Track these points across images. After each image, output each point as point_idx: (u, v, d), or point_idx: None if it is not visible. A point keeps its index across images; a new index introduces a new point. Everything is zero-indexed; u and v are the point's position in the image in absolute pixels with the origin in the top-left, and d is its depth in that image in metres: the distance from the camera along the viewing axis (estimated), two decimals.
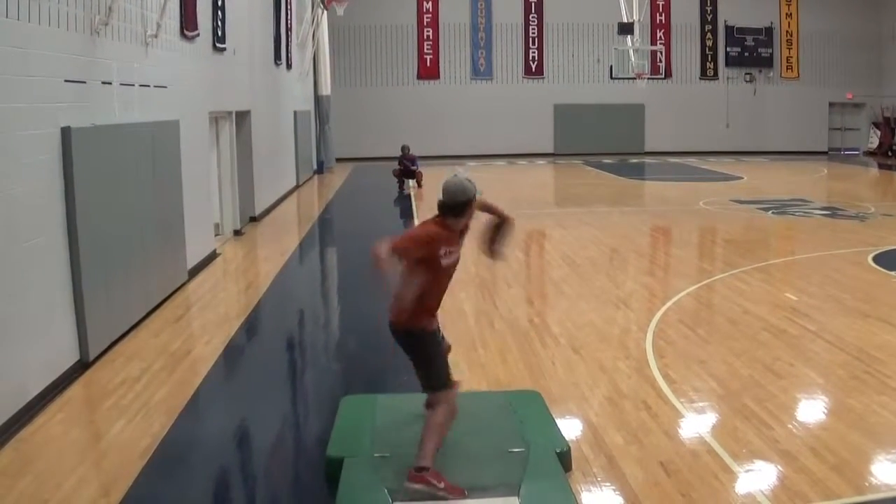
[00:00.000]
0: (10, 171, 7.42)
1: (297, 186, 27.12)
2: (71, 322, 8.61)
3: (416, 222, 19.25)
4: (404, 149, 26.61)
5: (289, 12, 25.67)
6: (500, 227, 6.44)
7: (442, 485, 5.60)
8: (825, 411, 7.47)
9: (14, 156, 7.50)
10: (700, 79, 40.26)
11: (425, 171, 25.82)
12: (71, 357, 8.55)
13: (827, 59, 39.86)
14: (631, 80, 34.50)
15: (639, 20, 32.45)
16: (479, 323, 10.28)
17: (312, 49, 31.14)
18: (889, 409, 7.28)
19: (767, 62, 40.26)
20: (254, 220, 19.23)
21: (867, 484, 5.93)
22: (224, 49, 16.46)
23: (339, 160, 35.16)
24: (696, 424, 7.13)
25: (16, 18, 7.61)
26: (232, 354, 9.59)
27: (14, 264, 7.44)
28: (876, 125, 39.47)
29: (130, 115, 10.65)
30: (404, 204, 23.55)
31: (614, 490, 5.93)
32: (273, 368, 9.38)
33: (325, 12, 31.01)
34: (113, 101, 10.11)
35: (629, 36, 32.83)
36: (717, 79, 40.27)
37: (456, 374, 8.18)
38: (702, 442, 6.71)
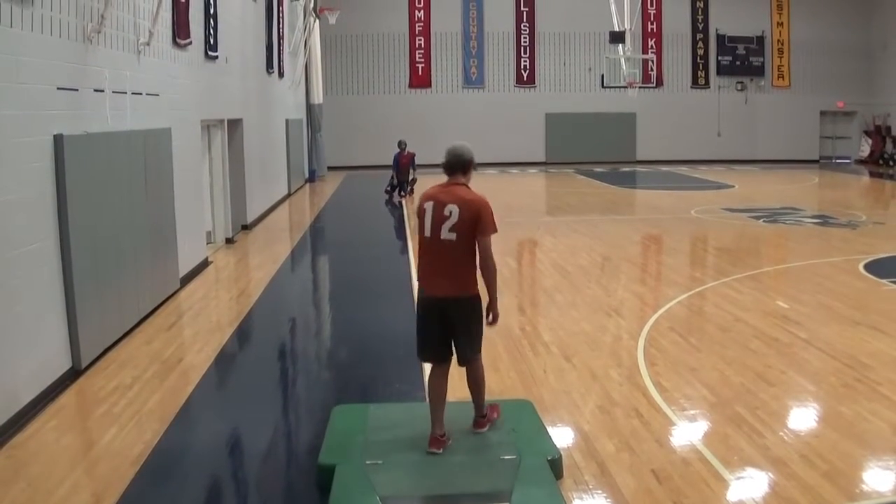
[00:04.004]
0: (3, 178, 7.42)
1: (289, 195, 27.11)
2: (63, 329, 8.60)
3: (408, 230, 19.26)
4: (401, 144, 25.29)
5: (281, 21, 25.69)
6: None
7: (496, 414, 6.93)
8: (816, 419, 7.49)
9: (6, 163, 7.49)
10: (691, 87, 40.36)
11: (418, 180, 25.79)
12: (63, 364, 8.54)
13: (818, 67, 39.99)
14: (622, 89, 34.52)
15: (630, 29, 32.49)
16: None
17: (304, 57, 31.16)
18: (880, 417, 7.31)
19: (759, 71, 40.39)
20: (245, 228, 19.22)
21: (858, 491, 5.95)
22: (216, 57, 16.46)
23: (330, 168, 35.16)
24: (688, 432, 7.15)
25: (8, 26, 7.61)
26: (224, 362, 9.59)
27: (6, 271, 7.42)
28: (867, 134, 39.61)
29: (123, 123, 10.65)
30: (396, 212, 23.57)
31: (606, 497, 5.94)
32: (265, 376, 9.37)
33: (317, 21, 31.05)
34: (105, 108, 10.10)
35: (621, 45, 32.87)
36: (709, 87, 40.38)
37: (449, 383, 8.24)
38: (693, 449, 6.72)
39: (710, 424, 7.31)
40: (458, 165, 6.56)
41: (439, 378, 6.61)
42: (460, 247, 6.37)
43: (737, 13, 39.71)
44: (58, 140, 8.49)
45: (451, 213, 6.35)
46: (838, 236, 17.43)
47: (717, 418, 7.39)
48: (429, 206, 6.46)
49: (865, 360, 8.93)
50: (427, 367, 7.15)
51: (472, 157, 6.61)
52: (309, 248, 18.84)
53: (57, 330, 8.49)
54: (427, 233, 6.46)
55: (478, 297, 6.51)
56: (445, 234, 6.36)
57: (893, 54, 38.08)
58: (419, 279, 6.69)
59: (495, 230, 6.44)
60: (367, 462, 6.12)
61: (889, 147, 37.96)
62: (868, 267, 13.93)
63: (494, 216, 6.47)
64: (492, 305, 6.53)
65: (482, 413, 6.78)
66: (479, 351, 6.65)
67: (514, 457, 6.18)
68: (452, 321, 6.46)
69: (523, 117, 39.07)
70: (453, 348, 6.58)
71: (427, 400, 6.70)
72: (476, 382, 6.75)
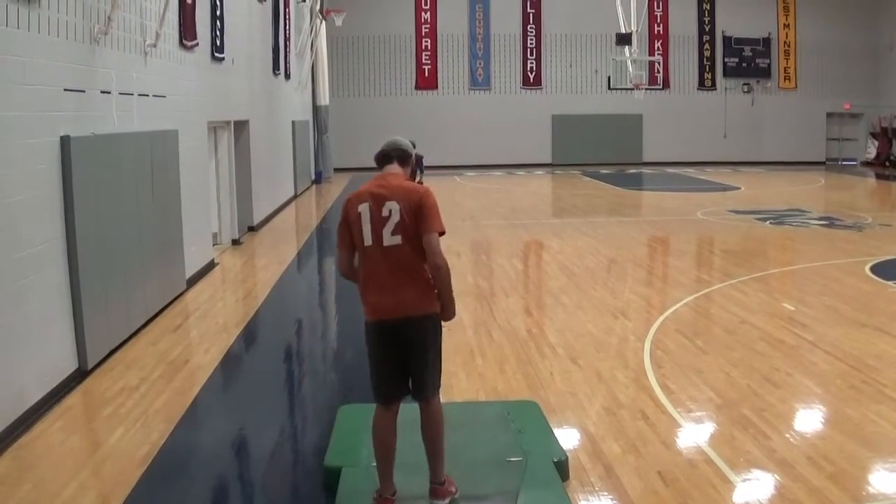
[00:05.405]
0: (10, 179, 7.44)
1: (296, 196, 27.15)
2: (69, 330, 8.61)
3: None
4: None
5: (287, 22, 25.72)
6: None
7: (454, 489, 5.68)
8: (822, 421, 7.48)
9: (13, 164, 7.51)
10: (698, 89, 40.33)
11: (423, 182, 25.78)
12: (69, 365, 8.55)
13: (824, 69, 39.94)
14: (629, 91, 34.63)
15: (637, 31, 32.56)
16: (477, 333, 10.29)
17: (311, 59, 31.21)
18: (886, 419, 7.29)
19: (765, 73, 40.35)
20: (252, 229, 19.24)
21: (864, 493, 5.94)
22: (223, 59, 16.49)
23: (337, 170, 35.18)
24: (694, 434, 7.14)
25: (15, 27, 7.63)
26: (230, 363, 9.60)
27: (13, 272, 7.44)
28: (873, 135, 39.54)
29: (129, 125, 10.67)
30: None
31: (612, 499, 5.93)
32: (271, 377, 9.39)
33: (324, 22, 31.08)
34: (112, 110, 10.12)
35: (627, 46, 32.94)
36: (715, 89, 40.34)
37: (455, 384, 8.24)
38: (699, 451, 6.71)
39: (716, 426, 7.29)
40: (395, 153, 5.67)
41: (392, 421, 5.57)
42: (409, 252, 5.38)
43: (743, 15, 39.67)
44: (64, 141, 8.51)
45: (391, 211, 5.36)
46: (844, 238, 17.40)
47: (724, 420, 7.38)
48: (364, 208, 5.41)
49: (872, 362, 8.91)
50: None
51: (411, 151, 5.74)
52: (315, 249, 18.85)
53: (63, 331, 8.51)
54: (367, 241, 5.39)
55: (438, 316, 5.51)
56: (388, 239, 5.37)
57: None
58: (363, 302, 5.54)
59: (442, 229, 5.40)
60: (374, 464, 6.11)
61: None
62: (874, 269, 13.91)
63: (441, 212, 5.47)
64: (444, 309, 5.50)
65: (440, 479, 5.61)
66: (440, 386, 5.63)
67: (520, 458, 6.17)
68: (407, 347, 5.44)
69: (529, 119, 39.08)
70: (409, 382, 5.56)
71: (375, 452, 5.63)
72: (435, 430, 5.56)
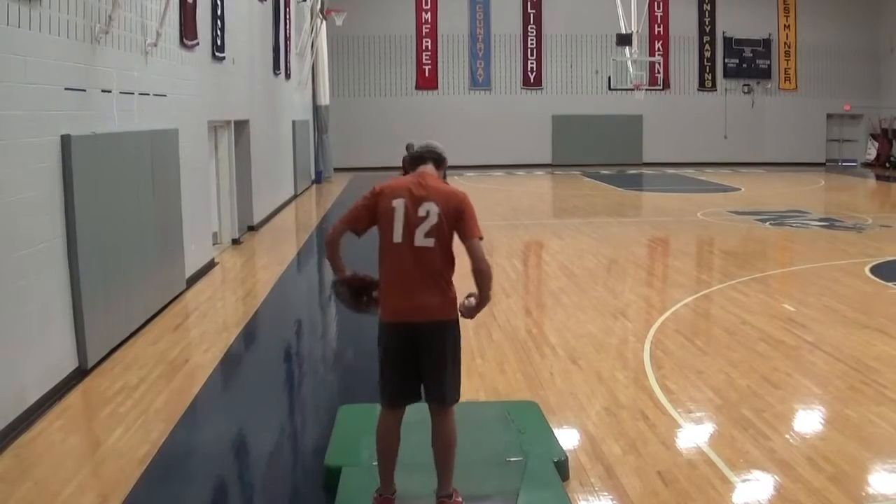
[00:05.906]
0: (10, 178, 7.44)
1: (296, 196, 27.15)
2: (69, 329, 8.61)
3: None
4: (409, 147, 24.59)
5: (288, 22, 25.71)
6: None
7: (461, 499, 5.56)
8: (822, 421, 7.48)
9: (14, 163, 7.51)
10: (698, 90, 40.33)
11: None
12: (69, 364, 8.55)
13: (825, 70, 39.95)
14: (629, 91, 34.63)
15: (637, 31, 32.55)
16: (477, 333, 10.28)
17: (311, 59, 31.21)
18: (886, 420, 7.30)
19: (765, 74, 40.36)
20: (252, 229, 19.24)
21: (864, 494, 5.94)
22: (223, 58, 16.49)
23: (337, 170, 35.18)
24: (694, 434, 7.14)
25: (16, 26, 7.63)
26: (230, 363, 9.60)
27: (13, 271, 7.44)
28: (873, 136, 39.53)
29: (130, 124, 10.67)
30: None
31: (612, 500, 5.93)
32: (271, 377, 9.38)
33: (324, 22, 31.08)
34: (112, 109, 10.12)
35: (627, 47, 32.93)
36: (716, 90, 40.35)
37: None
38: (699, 452, 6.71)
39: (716, 427, 7.30)
40: (429, 154, 5.55)
41: (396, 425, 5.47)
42: (439, 256, 5.29)
43: (744, 16, 39.68)
44: (65, 140, 8.51)
45: (427, 212, 5.23)
46: (844, 239, 17.40)
47: (723, 421, 7.38)
48: (399, 203, 5.26)
49: (871, 363, 8.92)
50: None
51: (446, 154, 5.61)
52: (315, 249, 18.83)
53: (63, 330, 8.50)
54: (397, 238, 5.25)
55: (458, 323, 5.42)
56: (421, 239, 5.24)
57: None
58: (384, 302, 5.40)
59: (482, 234, 5.33)
60: (374, 463, 6.11)
61: None
62: (874, 270, 13.91)
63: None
64: (477, 307, 5.39)
65: (449, 491, 5.47)
66: (459, 395, 5.51)
67: (520, 458, 6.18)
68: (427, 354, 5.31)
69: (530, 119, 39.09)
70: (422, 389, 5.43)
71: (377, 453, 5.58)
72: (449, 441, 5.43)
